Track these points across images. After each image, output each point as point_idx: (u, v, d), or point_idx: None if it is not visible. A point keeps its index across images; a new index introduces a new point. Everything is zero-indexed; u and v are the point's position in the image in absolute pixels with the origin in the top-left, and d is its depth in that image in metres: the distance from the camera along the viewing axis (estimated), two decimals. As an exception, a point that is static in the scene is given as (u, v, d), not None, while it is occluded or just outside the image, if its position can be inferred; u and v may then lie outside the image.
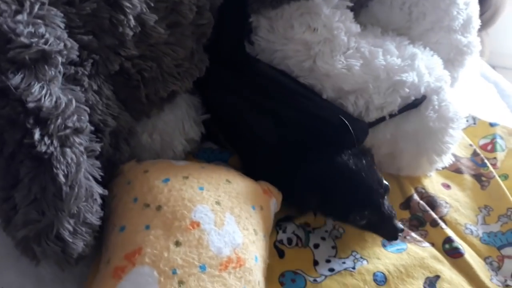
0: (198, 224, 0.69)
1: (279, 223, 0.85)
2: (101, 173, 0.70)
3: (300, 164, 0.81)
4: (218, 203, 0.73)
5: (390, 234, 0.80)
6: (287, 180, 0.81)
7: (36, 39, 0.62)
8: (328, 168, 0.79)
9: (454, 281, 0.79)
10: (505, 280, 0.82)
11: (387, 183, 0.80)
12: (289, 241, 0.83)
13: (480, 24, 1.04)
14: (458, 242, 0.84)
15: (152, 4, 0.76)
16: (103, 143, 0.73)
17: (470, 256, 0.82)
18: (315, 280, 0.78)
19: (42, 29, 0.63)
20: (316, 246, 0.83)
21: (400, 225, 0.80)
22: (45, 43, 0.63)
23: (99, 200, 0.69)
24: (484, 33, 1.18)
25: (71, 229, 0.64)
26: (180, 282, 0.64)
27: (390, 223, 0.78)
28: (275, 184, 0.83)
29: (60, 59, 0.64)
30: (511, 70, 1.89)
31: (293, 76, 0.89)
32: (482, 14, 1.06)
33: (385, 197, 0.79)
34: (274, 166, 0.85)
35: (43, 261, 0.67)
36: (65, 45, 0.66)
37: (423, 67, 0.89)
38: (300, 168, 0.81)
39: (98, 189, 0.68)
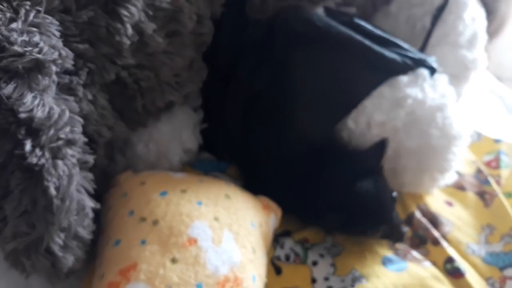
0: (195, 241, 0.67)
1: (277, 238, 0.83)
2: (94, 186, 0.68)
3: (319, 184, 0.81)
4: (216, 219, 0.70)
5: (396, 238, 0.82)
6: (303, 199, 0.82)
7: (30, 48, 0.60)
8: (351, 191, 0.80)
9: (455, 302, 0.77)
10: (507, 302, 0.80)
11: (395, 193, 0.83)
12: (287, 257, 0.81)
13: (487, 36, 1.03)
14: (460, 262, 0.81)
15: (151, 13, 0.74)
16: (98, 154, 0.71)
17: (471, 276, 0.80)
18: (312, 299, 0.76)
19: (36, 38, 0.61)
20: (315, 263, 0.81)
21: (404, 229, 0.83)
22: (39, 52, 0.61)
23: (91, 214, 0.67)
24: (490, 45, 1.16)
25: (61, 243, 0.63)
26: (176, 301, 0.62)
27: (398, 229, 0.82)
28: (284, 199, 0.82)
29: (54, 68, 0.63)
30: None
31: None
32: (488, 25, 1.04)
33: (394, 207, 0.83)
34: (285, 182, 0.84)
35: (33, 274, 0.66)
36: (59, 54, 0.64)
37: (427, 84, 0.87)
38: (320, 188, 0.81)
39: (90, 203, 0.66)
